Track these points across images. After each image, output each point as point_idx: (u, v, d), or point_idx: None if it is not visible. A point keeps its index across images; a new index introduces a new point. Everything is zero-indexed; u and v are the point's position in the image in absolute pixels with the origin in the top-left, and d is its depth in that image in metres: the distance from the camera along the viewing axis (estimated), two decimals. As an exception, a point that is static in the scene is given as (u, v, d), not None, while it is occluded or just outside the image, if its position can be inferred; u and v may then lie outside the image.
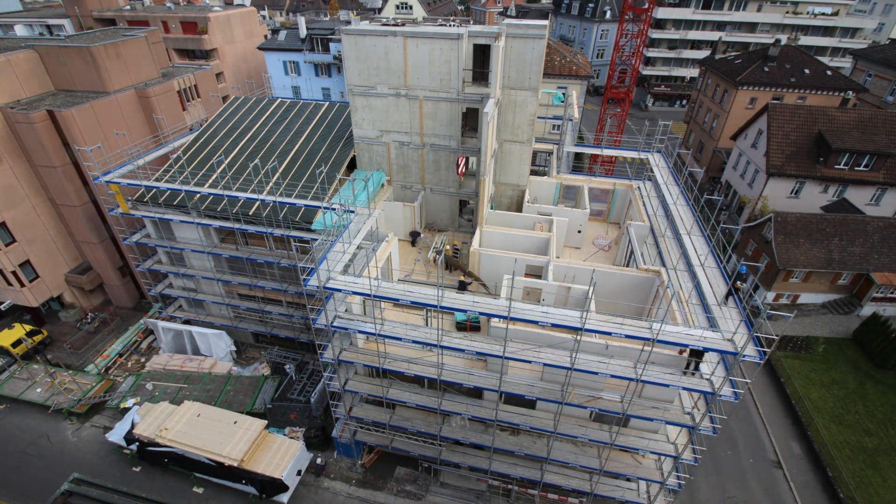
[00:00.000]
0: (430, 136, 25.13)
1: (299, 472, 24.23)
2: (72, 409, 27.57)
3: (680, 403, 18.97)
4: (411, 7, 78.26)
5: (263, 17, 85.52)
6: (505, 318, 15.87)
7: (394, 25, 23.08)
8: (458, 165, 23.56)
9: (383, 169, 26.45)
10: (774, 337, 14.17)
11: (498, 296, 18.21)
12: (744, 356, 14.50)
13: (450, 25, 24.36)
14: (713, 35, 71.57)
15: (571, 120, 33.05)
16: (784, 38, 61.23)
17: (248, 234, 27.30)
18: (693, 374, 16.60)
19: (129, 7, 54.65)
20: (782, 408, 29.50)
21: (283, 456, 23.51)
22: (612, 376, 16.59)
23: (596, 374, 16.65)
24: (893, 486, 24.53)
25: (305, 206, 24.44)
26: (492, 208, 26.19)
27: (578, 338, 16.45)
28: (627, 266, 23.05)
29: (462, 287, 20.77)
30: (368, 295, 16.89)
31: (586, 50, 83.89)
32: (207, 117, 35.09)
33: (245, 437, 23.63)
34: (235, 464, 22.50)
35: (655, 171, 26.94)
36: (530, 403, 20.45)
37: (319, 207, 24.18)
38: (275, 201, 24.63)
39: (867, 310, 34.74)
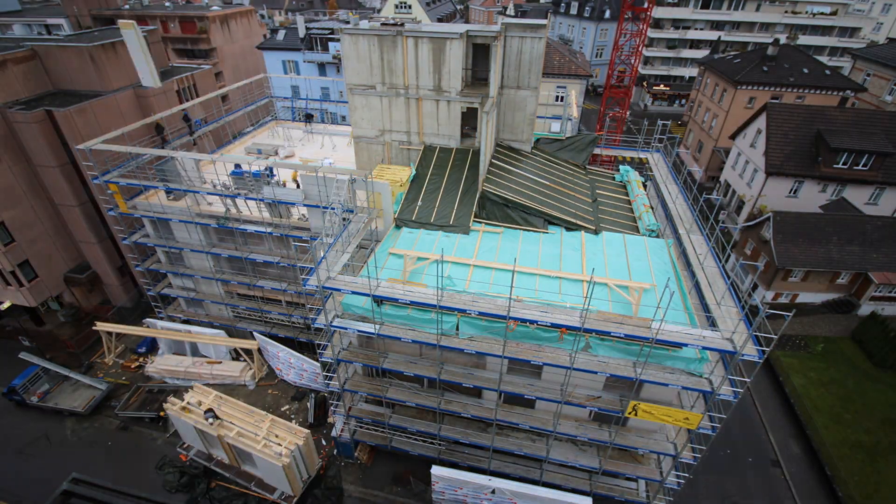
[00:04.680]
0: (429, 136, 25.15)
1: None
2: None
3: (679, 403, 18.99)
4: (410, 6, 78.12)
5: (262, 16, 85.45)
6: (504, 317, 15.89)
7: (393, 25, 23.07)
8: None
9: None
10: (773, 336, 14.19)
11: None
12: (743, 355, 14.53)
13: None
14: (712, 35, 71.70)
15: (571, 119, 33.11)
16: (783, 38, 61.33)
17: (247, 234, 27.26)
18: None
19: (128, 6, 54.58)
20: (781, 407, 29.55)
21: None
22: (612, 376, 16.64)
23: (596, 373, 16.69)
24: (892, 484, 24.59)
25: (305, 206, 24.41)
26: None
27: (583, 336, 16.53)
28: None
29: None
30: (368, 294, 16.89)
31: (585, 49, 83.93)
32: (206, 117, 35.05)
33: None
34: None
35: (654, 170, 26.97)
36: (530, 403, 20.49)
37: (319, 207, 24.16)
38: (274, 201, 24.61)
39: (866, 309, 34.80)
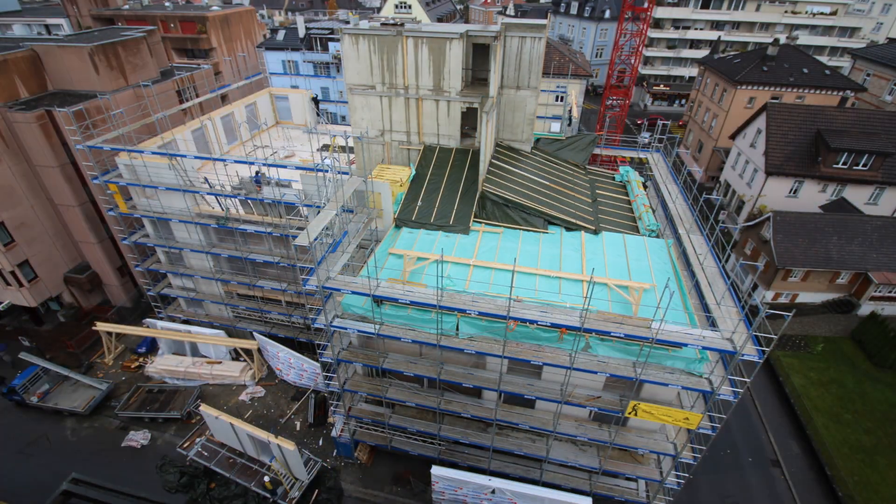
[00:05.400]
0: (429, 136, 25.14)
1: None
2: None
3: (679, 403, 19.00)
4: (410, 6, 78.16)
5: (262, 16, 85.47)
6: (504, 317, 15.89)
7: (393, 25, 23.07)
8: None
9: (382, 168, 26.43)
10: (773, 336, 14.19)
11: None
12: (743, 355, 14.53)
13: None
14: (712, 34, 71.72)
15: (571, 119, 33.11)
16: (783, 38, 61.36)
17: (247, 234, 27.27)
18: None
19: (127, 7, 54.57)
20: (781, 407, 29.55)
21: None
22: (612, 376, 16.63)
23: (596, 373, 16.69)
24: (892, 484, 24.59)
25: (305, 205, 24.42)
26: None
27: (585, 337, 16.54)
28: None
29: None
30: (368, 294, 16.89)
31: (585, 49, 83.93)
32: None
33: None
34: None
35: (654, 170, 26.98)
36: (530, 403, 20.49)
37: (319, 207, 24.16)
38: (274, 201, 24.61)
39: (865, 309, 34.80)
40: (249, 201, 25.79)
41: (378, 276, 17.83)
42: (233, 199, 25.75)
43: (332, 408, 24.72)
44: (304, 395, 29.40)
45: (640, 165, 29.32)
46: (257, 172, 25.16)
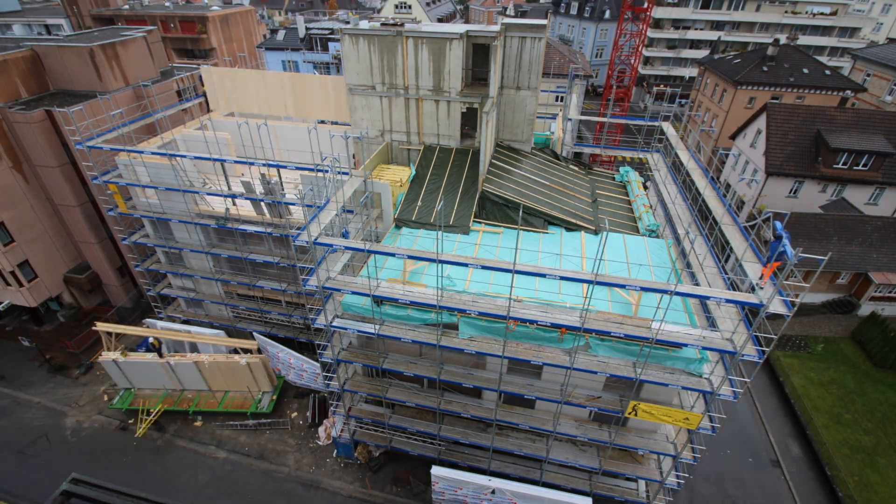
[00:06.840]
0: (429, 136, 25.16)
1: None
2: None
3: (679, 402, 18.99)
4: (410, 7, 78.21)
5: (262, 16, 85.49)
6: (504, 317, 15.89)
7: (393, 25, 23.07)
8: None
9: (382, 169, 26.41)
10: (773, 336, 14.18)
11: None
12: (743, 355, 14.52)
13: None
14: (712, 35, 71.75)
15: (570, 119, 33.13)
16: (783, 38, 61.37)
17: (247, 234, 27.25)
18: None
19: (127, 7, 54.58)
20: (781, 407, 29.55)
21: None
22: (612, 376, 16.63)
23: (596, 373, 16.69)
24: (892, 484, 24.59)
25: (305, 205, 24.35)
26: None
27: (585, 336, 16.54)
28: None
29: None
30: (368, 295, 16.88)
31: (585, 49, 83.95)
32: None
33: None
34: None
35: (654, 171, 26.96)
36: (530, 403, 20.49)
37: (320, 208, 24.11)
38: (274, 201, 24.60)
39: (866, 309, 34.80)
40: (249, 201, 25.77)
41: (378, 276, 17.82)
42: (234, 199, 25.72)
43: (331, 408, 24.73)
44: (304, 395, 29.40)
45: (641, 166, 29.32)
46: None
